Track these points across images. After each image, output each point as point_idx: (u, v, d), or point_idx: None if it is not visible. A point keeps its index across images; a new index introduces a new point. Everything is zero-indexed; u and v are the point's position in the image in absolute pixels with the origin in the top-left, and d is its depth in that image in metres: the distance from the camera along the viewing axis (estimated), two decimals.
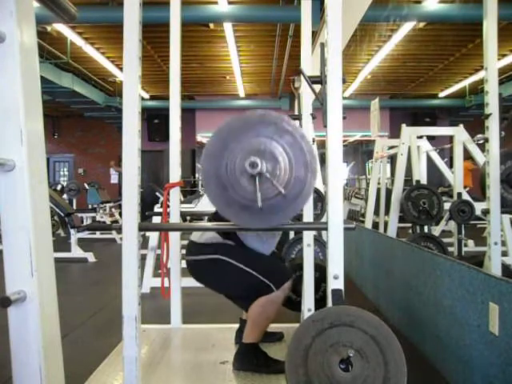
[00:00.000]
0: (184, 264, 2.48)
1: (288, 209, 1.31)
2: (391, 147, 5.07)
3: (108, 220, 8.30)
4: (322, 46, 1.42)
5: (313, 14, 2.20)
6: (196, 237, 1.95)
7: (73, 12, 1.35)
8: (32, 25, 1.12)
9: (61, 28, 6.02)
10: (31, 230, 1.08)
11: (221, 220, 1.88)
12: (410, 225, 4.41)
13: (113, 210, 8.72)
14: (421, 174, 4.44)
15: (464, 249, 3.87)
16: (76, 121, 12.00)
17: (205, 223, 1.89)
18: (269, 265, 1.90)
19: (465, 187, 4.34)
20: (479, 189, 2.66)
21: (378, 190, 4.92)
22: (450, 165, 4.99)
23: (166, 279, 2.10)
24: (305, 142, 1.30)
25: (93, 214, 8.24)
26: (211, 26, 6.27)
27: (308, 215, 2.02)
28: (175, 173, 2.38)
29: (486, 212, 2.34)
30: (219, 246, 1.87)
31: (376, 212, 5.00)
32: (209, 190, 1.31)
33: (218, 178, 1.29)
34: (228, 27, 6.00)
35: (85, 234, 7.29)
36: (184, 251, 2.03)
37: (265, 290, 1.79)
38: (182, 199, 6.37)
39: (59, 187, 9.33)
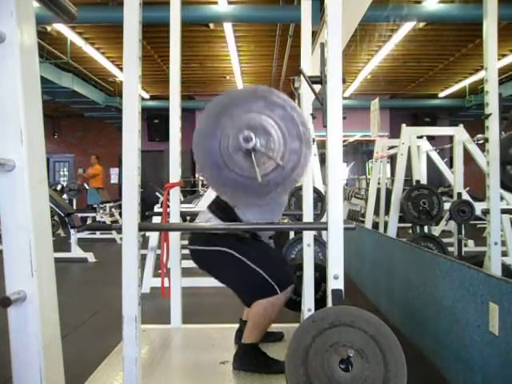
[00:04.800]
0: (184, 264, 2.50)
1: (286, 181, 1.30)
2: (391, 147, 5.07)
3: (108, 220, 8.30)
4: (322, 46, 1.42)
5: (313, 14, 2.20)
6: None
7: (73, 12, 1.35)
8: (32, 25, 1.12)
9: (61, 28, 6.02)
10: (31, 230, 1.08)
11: (221, 207, 1.88)
12: (410, 225, 4.41)
13: (113, 210, 8.71)
14: (421, 174, 4.44)
15: (464, 249, 3.87)
16: (76, 121, 12.00)
17: (205, 223, 1.88)
18: (276, 265, 1.88)
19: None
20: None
21: (378, 190, 4.92)
22: (450, 165, 4.99)
23: (166, 279, 2.10)
24: (296, 113, 1.29)
25: (93, 214, 8.24)
26: (211, 26, 6.27)
27: (308, 215, 2.02)
28: (175, 173, 2.38)
29: (485, 212, 2.34)
30: (226, 238, 1.83)
31: (376, 212, 5.00)
32: (203, 170, 1.30)
33: (211, 157, 1.28)
34: (228, 27, 6.00)
35: (85, 234, 7.29)
36: (184, 251, 2.03)
37: (269, 291, 1.78)
38: (182, 199, 6.36)
39: (59, 187, 9.31)
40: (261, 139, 1.25)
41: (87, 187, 9.00)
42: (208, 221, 1.89)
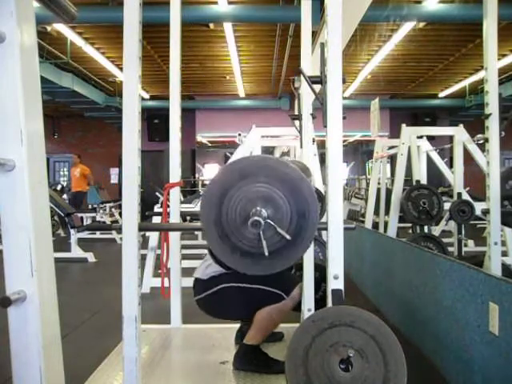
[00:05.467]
0: (184, 264, 2.50)
1: (292, 253, 1.27)
2: (391, 147, 5.06)
3: (108, 220, 8.30)
4: (322, 46, 1.42)
5: (313, 14, 2.20)
6: (199, 274, 1.96)
7: (73, 12, 1.35)
8: (32, 25, 1.12)
9: (61, 28, 6.01)
10: (31, 230, 1.08)
11: None
12: (410, 225, 4.41)
13: (113, 210, 8.71)
14: (421, 174, 4.44)
15: (464, 249, 3.87)
16: (76, 121, 11.99)
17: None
18: (275, 274, 1.89)
19: None
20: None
21: (378, 190, 4.92)
22: (450, 165, 4.99)
23: (166, 279, 2.10)
24: (305, 185, 1.25)
25: (93, 214, 8.24)
26: (211, 26, 6.26)
27: None
28: (175, 173, 2.38)
29: (485, 212, 2.34)
30: (221, 276, 1.88)
31: (376, 212, 4.99)
32: (209, 237, 1.26)
33: (217, 226, 1.24)
34: (228, 27, 6.00)
35: (85, 234, 7.29)
36: (184, 251, 2.03)
37: (276, 299, 1.82)
38: (182, 199, 6.36)
39: (59, 187, 9.31)
40: (269, 211, 1.21)
41: (87, 187, 8.99)
42: (207, 266, 1.92)
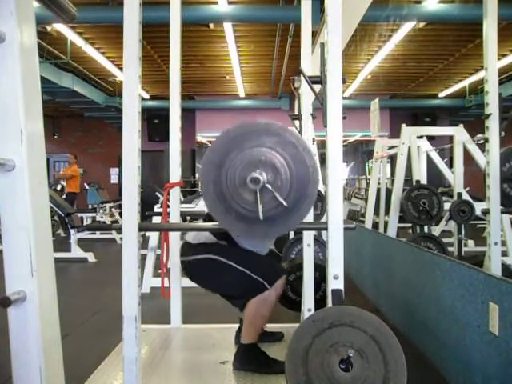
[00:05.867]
0: None
1: (289, 220, 1.29)
2: (391, 147, 5.06)
3: (108, 220, 8.30)
4: (322, 46, 1.42)
5: (313, 14, 2.20)
6: (190, 237, 1.96)
7: (73, 12, 1.35)
8: (32, 25, 1.12)
9: (61, 28, 6.02)
10: (31, 230, 1.08)
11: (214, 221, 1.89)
12: (410, 225, 4.41)
13: (113, 210, 8.71)
14: (421, 174, 4.44)
15: (464, 249, 3.87)
16: (76, 121, 11.99)
17: (204, 223, 1.88)
18: (261, 263, 1.90)
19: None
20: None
21: (378, 190, 4.92)
22: (450, 165, 4.99)
23: (166, 279, 2.10)
24: (308, 154, 1.27)
25: (93, 214, 8.24)
26: (211, 26, 6.27)
27: (308, 215, 2.02)
28: (175, 173, 2.38)
29: (485, 212, 2.34)
30: (212, 246, 1.87)
31: (376, 212, 4.99)
32: (206, 196, 1.29)
33: (216, 185, 1.27)
34: (228, 27, 6.00)
35: (85, 234, 7.29)
36: None
37: (258, 288, 1.80)
38: (182, 199, 6.37)
39: (59, 187, 9.30)
40: (269, 176, 1.23)
41: (87, 187, 8.99)
42: (206, 238, 1.91)
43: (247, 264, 1.82)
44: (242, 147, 1.27)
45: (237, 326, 2.17)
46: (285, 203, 1.24)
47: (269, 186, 1.23)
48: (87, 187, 8.97)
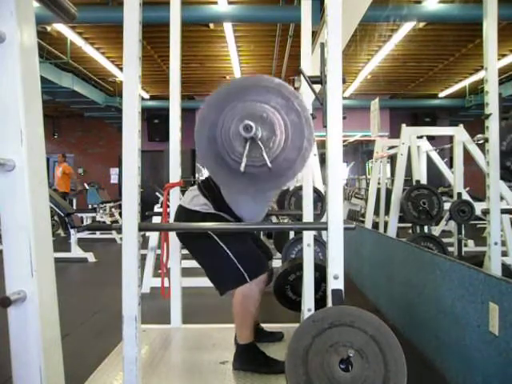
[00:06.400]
0: (184, 264, 2.50)
1: (268, 184, 1.30)
2: (391, 147, 5.06)
3: (108, 220, 8.30)
4: (322, 46, 1.42)
5: (313, 14, 2.20)
6: (186, 202, 1.91)
7: (73, 12, 1.35)
8: (32, 25, 1.12)
9: (61, 28, 6.02)
10: (31, 230, 1.08)
11: (209, 188, 1.88)
12: (410, 225, 4.40)
13: (113, 210, 8.71)
14: (421, 174, 4.44)
15: (464, 249, 3.87)
16: (76, 121, 12.00)
17: (204, 223, 1.87)
18: (248, 252, 1.86)
19: None
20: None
21: (378, 190, 4.92)
22: (450, 165, 4.98)
23: (166, 279, 2.10)
24: (308, 128, 1.27)
25: (93, 214, 8.23)
26: (211, 26, 6.27)
27: (308, 215, 2.02)
28: (175, 173, 2.38)
29: (485, 212, 2.34)
30: (205, 218, 1.83)
31: (376, 212, 4.99)
32: (200, 147, 1.30)
33: (212, 144, 1.27)
34: (228, 27, 6.00)
35: (85, 234, 7.29)
36: (184, 251, 2.03)
37: (239, 279, 1.78)
38: None
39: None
40: (264, 133, 1.23)
41: (87, 187, 8.98)
42: (193, 197, 1.89)
43: (235, 250, 1.79)
44: (245, 99, 1.26)
45: None
46: (269, 164, 1.23)
47: (259, 143, 1.23)
48: (87, 187, 8.96)
